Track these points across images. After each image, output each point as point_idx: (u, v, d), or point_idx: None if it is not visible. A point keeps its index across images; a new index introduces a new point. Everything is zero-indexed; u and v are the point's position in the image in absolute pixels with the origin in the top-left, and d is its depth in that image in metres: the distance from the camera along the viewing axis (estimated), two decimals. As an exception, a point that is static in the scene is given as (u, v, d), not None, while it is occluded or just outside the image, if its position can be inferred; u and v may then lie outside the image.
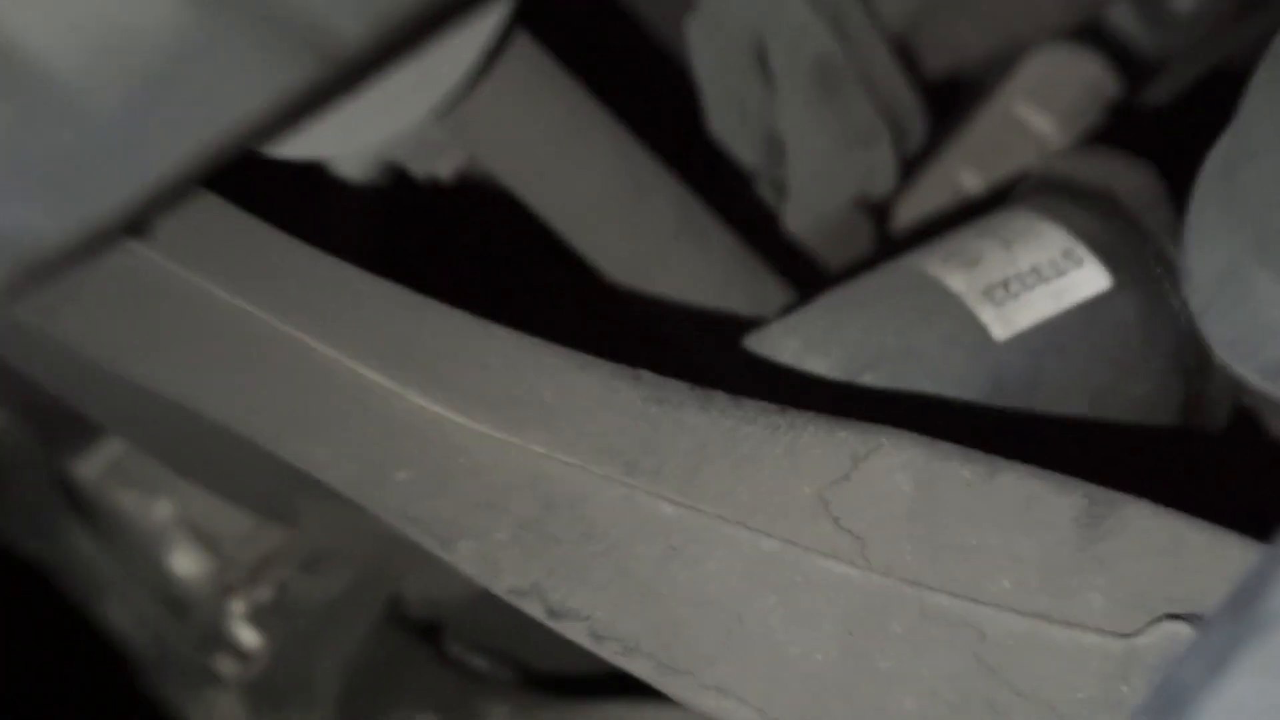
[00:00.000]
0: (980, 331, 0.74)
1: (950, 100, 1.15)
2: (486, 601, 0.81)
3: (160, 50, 0.55)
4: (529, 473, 0.67)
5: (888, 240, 1.07)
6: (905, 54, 1.06)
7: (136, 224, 0.74)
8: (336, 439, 0.71)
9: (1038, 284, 0.75)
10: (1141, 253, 0.76)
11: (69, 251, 0.62)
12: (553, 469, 0.67)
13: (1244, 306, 0.67)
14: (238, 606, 1.06)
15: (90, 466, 1.08)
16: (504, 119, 0.87)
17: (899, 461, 0.62)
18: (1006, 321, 0.74)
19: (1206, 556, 0.55)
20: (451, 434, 0.69)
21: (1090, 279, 0.75)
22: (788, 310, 0.80)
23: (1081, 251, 0.76)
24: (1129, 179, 0.78)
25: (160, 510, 1.08)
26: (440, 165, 0.90)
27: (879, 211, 1.07)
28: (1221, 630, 0.41)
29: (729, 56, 1.02)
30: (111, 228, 0.62)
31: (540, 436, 0.68)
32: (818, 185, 1.01)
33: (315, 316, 0.73)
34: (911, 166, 1.10)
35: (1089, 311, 0.75)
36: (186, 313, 0.75)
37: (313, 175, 0.88)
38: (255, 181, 0.81)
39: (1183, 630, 0.53)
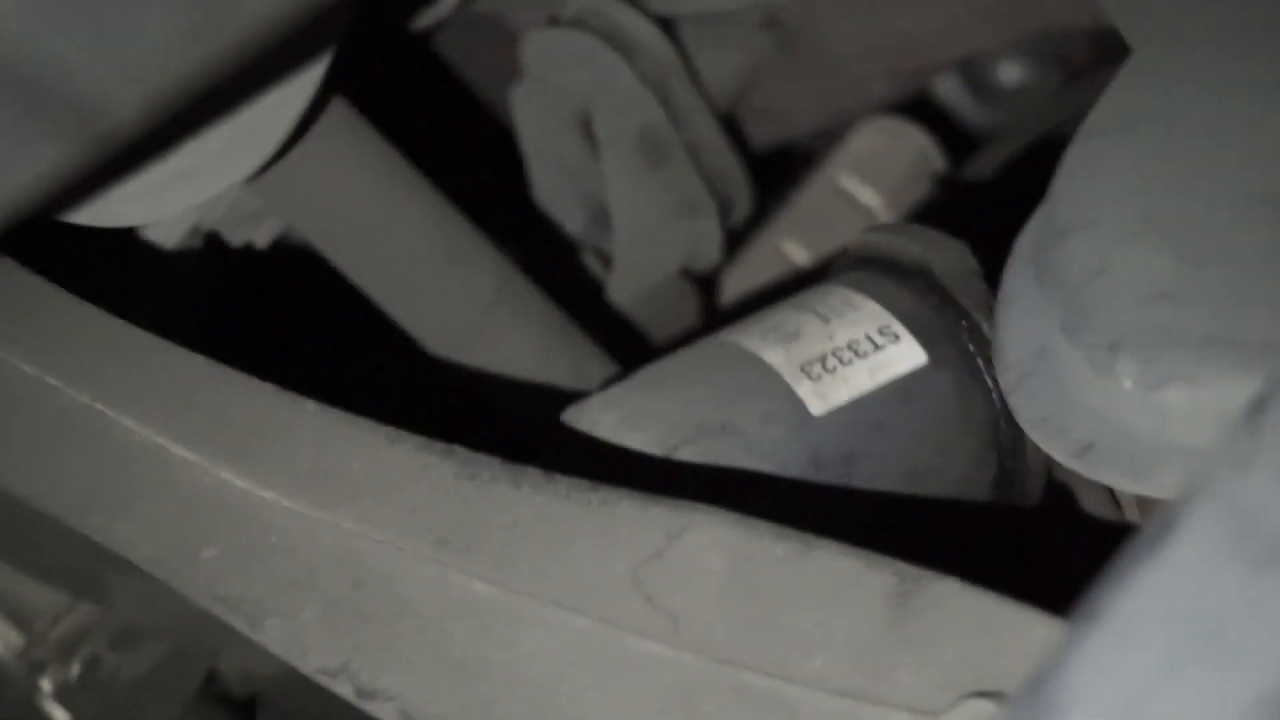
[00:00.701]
0: (798, 407, 0.74)
1: (779, 171, 1.15)
2: (302, 679, 0.80)
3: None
4: (339, 550, 0.66)
5: (713, 313, 1.07)
6: (732, 125, 1.07)
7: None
8: (142, 515, 0.69)
9: (855, 359, 0.75)
10: (957, 330, 0.77)
11: None
12: (363, 546, 0.66)
13: (1053, 386, 0.67)
14: (47, 684, 1.04)
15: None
16: (318, 184, 0.86)
17: (712, 539, 0.61)
18: (823, 397, 0.74)
19: (1013, 633, 0.55)
20: (260, 510, 0.68)
21: (906, 355, 0.76)
22: (608, 383, 0.79)
23: (897, 327, 0.76)
24: (944, 255, 0.78)
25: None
26: (256, 233, 0.89)
27: (705, 283, 1.07)
28: (1019, 709, 0.41)
29: (555, 125, 1.02)
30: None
31: (350, 513, 0.66)
32: (643, 256, 1.01)
33: (120, 390, 0.71)
34: (738, 238, 1.11)
35: (905, 387, 0.75)
36: (-12, 384, 0.73)
37: (123, 244, 0.86)
38: (61, 250, 0.79)
39: (987, 709, 0.53)
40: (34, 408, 0.72)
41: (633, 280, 1.01)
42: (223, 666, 1.01)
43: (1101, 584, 0.42)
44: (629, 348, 0.98)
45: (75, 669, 1.00)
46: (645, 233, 1.01)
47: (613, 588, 0.62)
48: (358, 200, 0.87)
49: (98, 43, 0.54)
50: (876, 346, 0.75)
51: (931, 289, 0.77)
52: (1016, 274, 0.73)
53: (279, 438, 0.69)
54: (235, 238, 0.88)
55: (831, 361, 0.75)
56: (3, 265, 0.76)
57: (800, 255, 1.11)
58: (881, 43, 1.03)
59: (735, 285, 1.10)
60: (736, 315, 0.82)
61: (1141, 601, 0.41)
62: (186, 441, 0.70)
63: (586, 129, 1.01)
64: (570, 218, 1.05)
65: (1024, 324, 0.70)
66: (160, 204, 0.80)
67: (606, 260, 1.03)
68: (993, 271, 0.77)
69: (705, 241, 1.04)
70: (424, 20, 0.98)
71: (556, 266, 1.04)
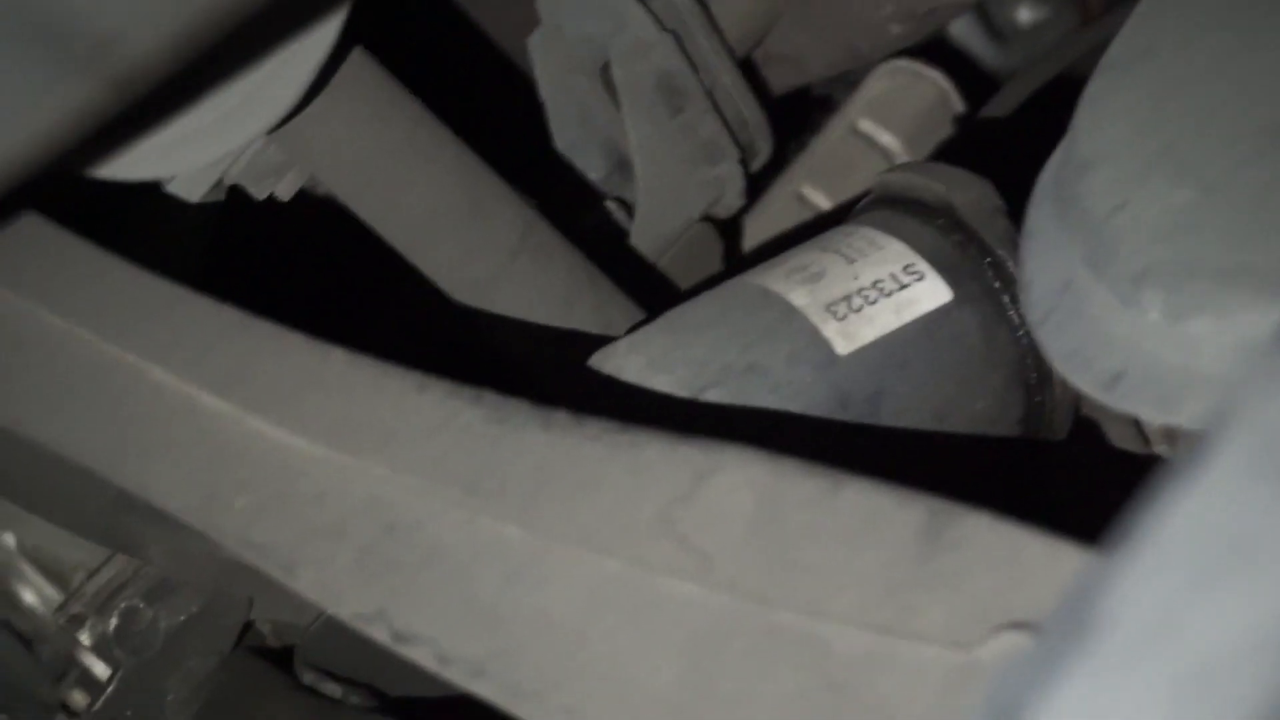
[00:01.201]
0: (823, 346, 0.74)
1: (798, 116, 1.15)
2: (337, 627, 0.80)
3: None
4: (370, 496, 0.66)
5: (736, 257, 1.07)
6: (751, 70, 1.06)
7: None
8: (174, 465, 0.70)
9: (879, 298, 0.75)
10: (981, 266, 0.77)
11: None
12: (393, 492, 0.66)
13: (1080, 319, 0.67)
14: (85, 638, 1.05)
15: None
16: (340, 136, 0.86)
17: (742, 478, 0.62)
18: (849, 336, 0.74)
19: (1044, 565, 0.55)
20: (290, 458, 0.68)
21: (931, 293, 0.76)
22: (633, 328, 0.79)
23: (922, 265, 0.76)
24: (967, 193, 0.78)
25: (4, 541, 1.06)
26: (279, 185, 0.89)
27: (727, 228, 1.07)
28: (1050, 639, 0.41)
29: (572, 73, 1.02)
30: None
31: (380, 459, 0.67)
32: (664, 202, 1.01)
33: (149, 341, 0.72)
34: (759, 183, 1.10)
35: (930, 325, 0.75)
36: (16, 338, 0.74)
37: (147, 196, 0.87)
38: (87, 202, 0.79)
39: (1021, 640, 0.54)
40: (65, 360, 0.73)
41: (655, 226, 1.01)
42: (258, 618, 1.02)
43: (1133, 510, 0.42)
44: (653, 293, 0.98)
45: (113, 622, 1.01)
46: (666, 179, 1.01)
47: (642, 529, 0.62)
48: (380, 150, 0.87)
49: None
50: (901, 285, 0.75)
51: (955, 226, 0.78)
52: (1039, 210, 0.73)
53: (308, 386, 0.69)
54: (258, 190, 0.89)
55: (857, 301, 0.75)
56: (30, 219, 0.76)
57: (821, 199, 1.11)
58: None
59: (757, 230, 1.10)
60: (759, 259, 0.83)
61: (1172, 524, 0.41)
62: (216, 391, 0.70)
63: (604, 76, 1.01)
64: (591, 165, 1.05)
65: (1048, 259, 0.70)
66: (183, 157, 0.80)
67: (628, 207, 1.03)
68: (1016, 209, 0.77)
69: (727, 187, 1.04)
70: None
71: (579, 214, 1.04)
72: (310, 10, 0.77)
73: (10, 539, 1.06)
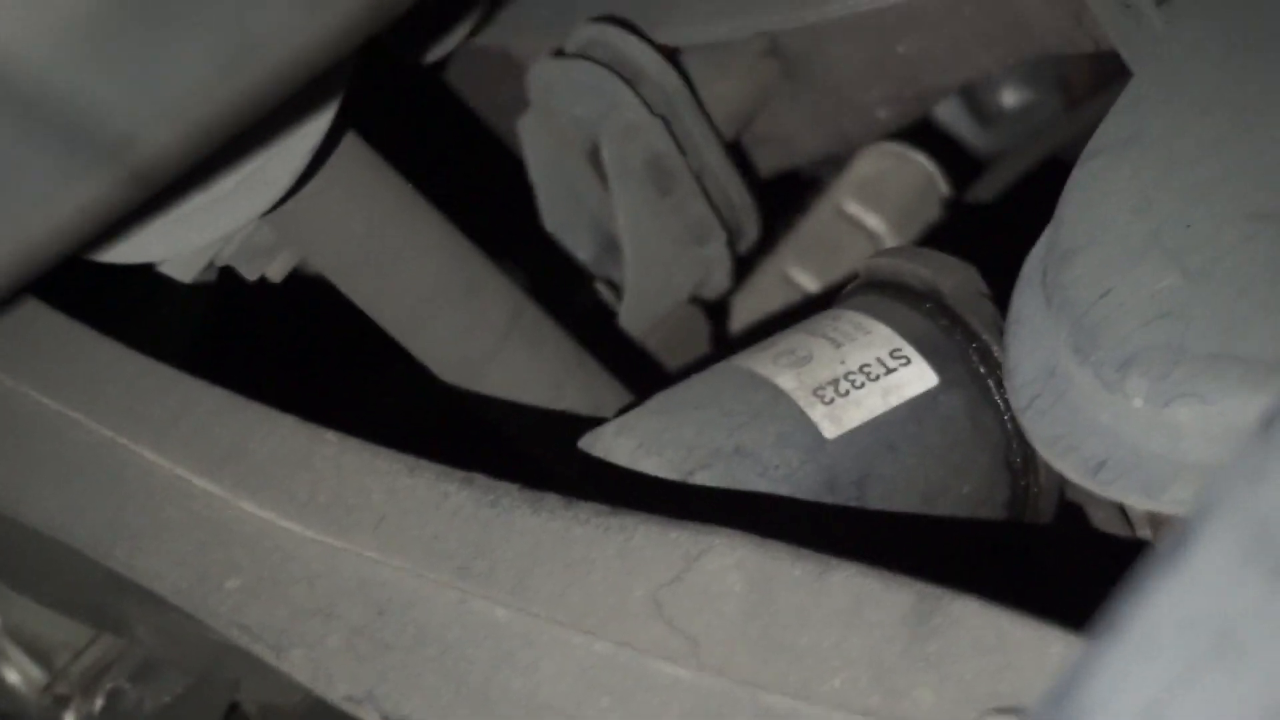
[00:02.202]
0: (811, 430, 0.75)
1: (785, 198, 1.16)
2: (323, 709, 0.80)
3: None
4: (361, 578, 0.67)
5: (724, 338, 1.08)
6: (738, 152, 1.07)
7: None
8: (165, 547, 0.70)
9: (866, 383, 0.76)
10: (967, 351, 0.77)
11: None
12: (384, 574, 0.67)
13: (1064, 405, 0.68)
14: (70, 719, 1.04)
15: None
16: (331, 219, 0.87)
17: (731, 561, 0.62)
18: (837, 420, 0.75)
19: (1031, 650, 0.56)
20: (282, 540, 0.68)
21: (918, 377, 0.76)
22: (622, 410, 0.80)
23: (909, 350, 0.77)
24: (953, 278, 0.79)
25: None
26: (271, 267, 0.90)
27: (715, 310, 1.08)
28: (1040, 726, 0.42)
29: (562, 154, 1.03)
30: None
31: (371, 541, 0.67)
32: (653, 284, 1.02)
33: (141, 423, 0.72)
34: (747, 264, 1.11)
35: (917, 409, 0.76)
36: (9, 420, 0.74)
37: (141, 278, 0.87)
38: (80, 286, 0.80)
39: (1008, 726, 0.54)
40: (56, 441, 0.73)
41: (643, 308, 1.02)
42: (244, 699, 1.02)
43: (1119, 597, 0.43)
44: (641, 375, 0.99)
45: (98, 703, 1.00)
46: (655, 260, 1.02)
47: (633, 611, 0.62)
48: (371, 233, 0.88)
49: (133, 81, 0.55)
50: (888, 369, 0.76)
51: (941, 311, 0.78)
52: (1025, 295, 0.74)
53: (299, 468, 0.69)
54: (250, 272, 0.89)
55: (844, 385, 0.75)
56: (24, 301, 0.76)
57: (808, 281, 1.11)
58: (884, 68, 1.04)
59: (745, 312, 1.11)
60: (747, 341, 0.83)
61: (1159, 613, 0.41)
62: (208, 473, 0.70)
63: (594, 158, 1.01)
64: (580, 246, 1.06)
65: (1034, 344, 0.71)
66: (177, 240, 0.80)
67: (617, 289, 1.03)
68: (1001, 293, 0.78)
69: (715, 268, 1.04)
70: (432, 53, 0.99)
71: (567, 295, 1.04)
72: (305, 97, 0.78)
73: (-7, 618, 1.06)
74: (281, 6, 0.56)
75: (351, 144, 0.86)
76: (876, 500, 0.75)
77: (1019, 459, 0.77)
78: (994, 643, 0.57)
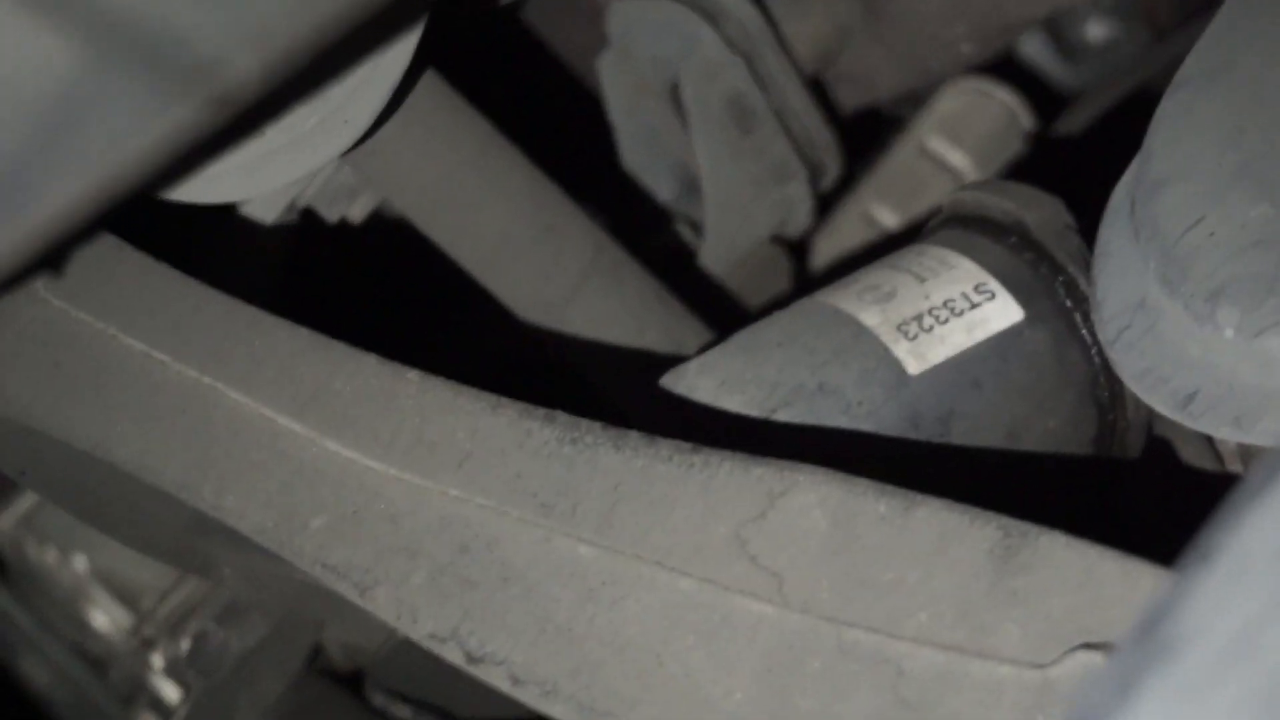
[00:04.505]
0: (895, 367, 0.74)
1: (867, 136, 1.15)
2: (408, 648, 0.80)
3: (44, 92, 0.54)
4: (444, 517, 0.67)
5: (805, 277, 1.07)
6: (819, 90, 1.06)
7: (39, 272, 0.74)
8: (249, 487, 0.70)
9: (951, 318, 0.75)
10: (1052, 285, 0.77)
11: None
12: (468, 512, 0.67)
13: (1153, 338, 0.67)
14: (157, 661, 1.05)
15: (3, 522, 1.07)
16: (412, 159, 0.87)
17: (815, 498, 0.62)
18: (920, 356, 0.74)
19: (1119, 585, 0.55)
20: (366, 479, 0.69)
21: (1003, 312, 0.75)
22: (704, 349, 0.80)
23: (993, 284, 0.76)
24: (1039, 211, 0.78)
25: (76, 565, 1.07)
26: (351, 208, 0.90)
27: (796, 248, 1.08)
28: (1128, 657, 0.41)
29: (642, 94, 1.02)
30: (4, 275, 0.61)
31: (454, 479, 0.67)
32: (734, 223, 1.01)
33: (226, 363, 0.72)
34: (828, 203, 1.11)
35: (1002, 344, 0.75)
36: (96, 362, 0.75)
37: (223, 219, 0.87)
38: (164, 225, 0.80)
39: (1095, 660, 0.53)
40: (142, 383, 0.74)
41: (725, 247, 1.02)
42: (328, 641, 1.02)
43: (1210, 528, 0.42)
44: (722, 315, 0.99)
45: (184, 645, 1.02)
46: (736, 200, 1.01)
47: (716, 548, 0.62)
48: (452, 173, 0.88)
49: (216, 5, 0.55)
50: (973, 304, 0.75)
51: (1027, 245, 0.77)
52: (1112, 228, 0.73)
53: (383, 407, 0.69)
54: (331, 213, 0.89)
55: (928, 320, 0.75)
56: (107, 242, 0.77)
57: (890, 219, 1.10)
58: (967, 3, 1.03)
59: (826, 250, 1.10)
60: (829, 280, 0.83)
61: (1251, 543, 0.41)
62: (293, 413, 0.70)
63: (674, 98, 1.01)
64: (660, 186, 1.06)
65: (1122, 277, 0.70)
66: (259, 180, 0.81)
67: (698, 228, 1.03)
68: (1088, 227, 0.77)
69: (796, 207, 1.04)
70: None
71: (648, 234, 1.04)
72: (383, 34, 0.78)
73: (82, 562, 1.07)
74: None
75: (431, 83, 0.86)
76: (960, 437, 0.74)
77: (1106, 394, 0.77)
78: (1081, 579, 0.56)
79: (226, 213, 0.87)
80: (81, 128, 0.55)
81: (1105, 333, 0.70)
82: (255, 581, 0.94)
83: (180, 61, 0.54)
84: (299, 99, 0.76)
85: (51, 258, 0.73)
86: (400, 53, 0.79)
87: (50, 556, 1.07)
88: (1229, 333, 0.63)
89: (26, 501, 1.06)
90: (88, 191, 0.56)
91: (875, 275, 0.78)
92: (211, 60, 0.55)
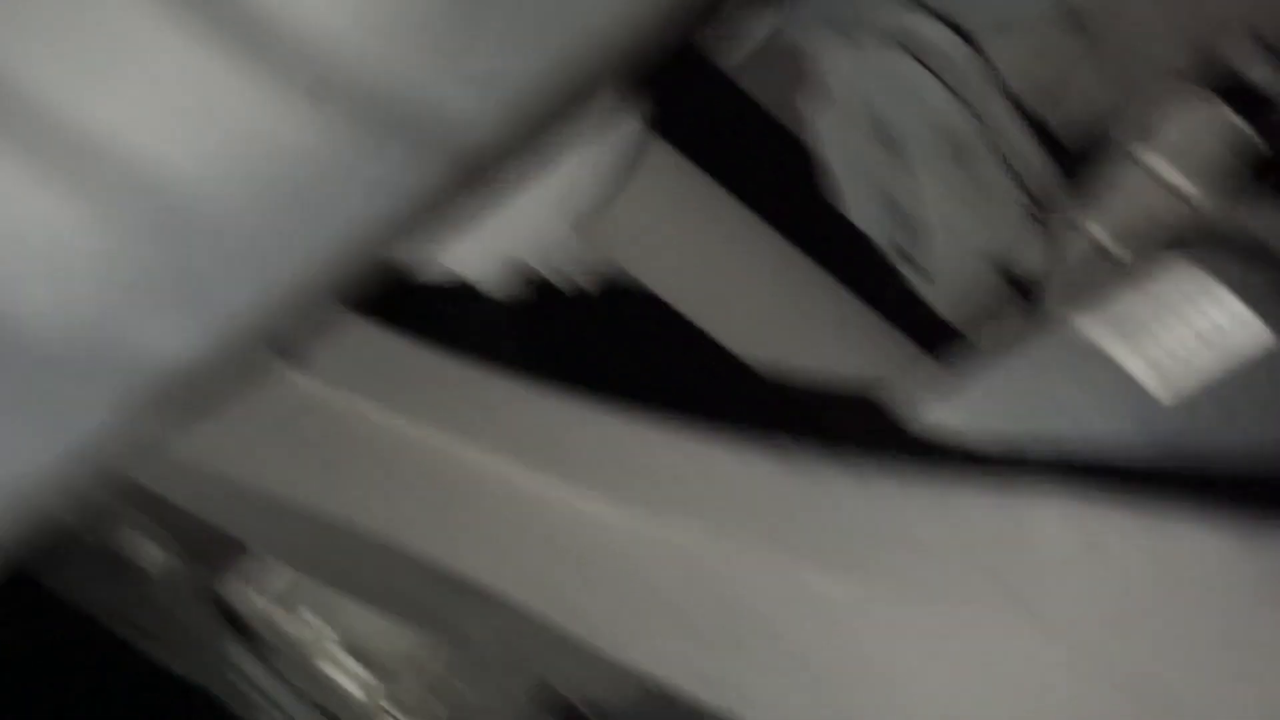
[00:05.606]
0: (1143, 396, 0.73)
1: (1091, 162, 1.14)
2: (653, 703, 0.81)
3: (290, 157, 0.56)
4: (691, 566, 0.67)
5: (1036, 309, 1.06)
6: (1037, 121, 1.06)
7: (288, 350, 0.75)
8: (493, 547, 0.71)
9: (1201, 346, 0.74)
10: (1304, 308, 0.75)
11: (207, 370, 0.62)
12: (713, 561, 0.66)
13: None
14: (404, 722, 1.07)
15: (253, 591, 1.09)
16: (646, 227, 0.88)
17: (1067, 526, 0.61)
18: (1170, 384, 0.73)
19: None
20: (613, 534, 0.69)
21: (1254, 337, 0.74)
22: (943, 383, 0.79)
23: (1241, 309, 0.74)
24: (1284, 233, 0.77)
25: (321, 630, 1.09)
26: (583, 274, 0.91)
27: (1022, 281, 1.06)
28: None
29: (860, 140, 1.02)
30: (248, 343, 0.62)
31: (698, 526, 0.67)
32: (958, 259, 1.01)
33: (464, 427, 0.73)
34: (1051, 232, 1.09)
35: (1256, 371, 0.74)
36: (338, 432, 0.76)
37: (456, 291, 0.89)
38: (402, 300, 0.81)
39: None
40: (384, 451, 0.75)
41: (950, 284, 1.01)
42: (574, 696, 1.03)
43: None
44: (953, 354, 0.98)
45: (437, 708, 1.03)
46: (958, 237, 1.01)
47: (967, 580, 0.61)
48: (683, 237, 0.89)
49: (468, 73, 0.56)
50: (1223, 331, 0.74)
51: (1273, 267, 0.76)
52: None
53: (634, 465, 0.70)
54: (562, 281, 0.90)
55: (1179, 349, 0.73)
56: (351, 322, 0.78)
57: (1118, 245, 1.09)
58: (1185, 23, 1.01)
59: (1056, 281, 1.09)
60: (1064, 311, 0.81)
61: None
62: (531, 471, 0.71)
63: (891, 142, 1.01)
64: (882, 229, 1.05)
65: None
66: (493, 254, 0.82)
67: (925, 271, 1.02)
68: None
69: (1019, 240, 1.03)
70: (729, 55, 0.99)
71: (874, 280, 1.04)
72: (613, 101, 0.79)
73: (326, 627, 1.09)
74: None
75: (659, 150, 0.87)
76: (1217, 467, 0.73)
77: (1365, 415, 0.75)
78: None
79: (460, 286, 0.88)
80: (321, 191, 0.56)
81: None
82: (504, 640, 0.95)
83: (421, 122, 0.55)
84: (534, 172, 0.77)
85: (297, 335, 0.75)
86: (627, 121, 0.80)
87: (297, 622, 1.08)
88: None
89: (273, 571, 1.08)
90: (327, 256, 0.57)
91: (1118, 304, 0.76)
92: (450, 120, 0.55)
